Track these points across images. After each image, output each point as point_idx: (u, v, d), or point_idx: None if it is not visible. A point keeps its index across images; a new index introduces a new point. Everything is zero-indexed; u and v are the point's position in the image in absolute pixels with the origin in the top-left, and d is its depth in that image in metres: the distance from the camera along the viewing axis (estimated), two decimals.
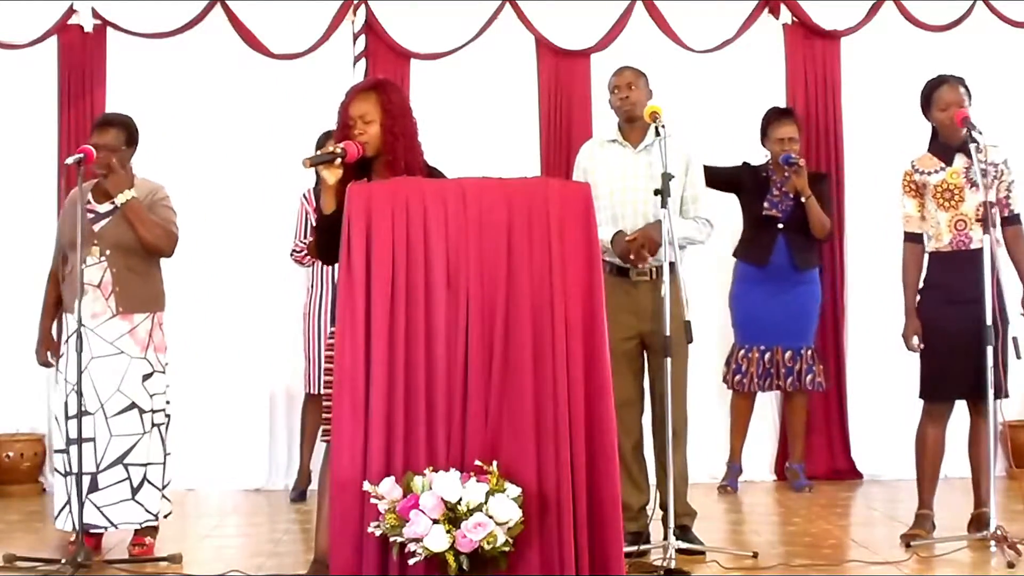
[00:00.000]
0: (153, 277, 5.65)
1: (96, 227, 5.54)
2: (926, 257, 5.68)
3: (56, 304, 5.73)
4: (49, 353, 5.76)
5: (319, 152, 4.59)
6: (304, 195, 6.93)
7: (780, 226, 7.15)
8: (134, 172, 5.67)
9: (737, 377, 7.24)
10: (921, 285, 5.68)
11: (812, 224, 7.08)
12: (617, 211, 5.52)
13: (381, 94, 4.68)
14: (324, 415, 4.72)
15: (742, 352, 7.25)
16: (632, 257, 5.40)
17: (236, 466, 7.55)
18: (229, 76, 7.69)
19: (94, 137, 5.61)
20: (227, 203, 7.56)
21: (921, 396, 5.70)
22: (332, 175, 4.54)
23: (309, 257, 6.80)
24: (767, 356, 7.23)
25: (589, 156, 5.68)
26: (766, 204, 7.13)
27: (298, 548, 5.74)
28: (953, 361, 5.51)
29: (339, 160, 4.53)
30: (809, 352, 7.26)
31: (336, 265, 4.60)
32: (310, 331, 6.93)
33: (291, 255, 6.95)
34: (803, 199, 7.05)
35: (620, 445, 5.30)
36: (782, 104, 7.68)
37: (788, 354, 7.22)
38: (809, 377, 7.23)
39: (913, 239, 5.70)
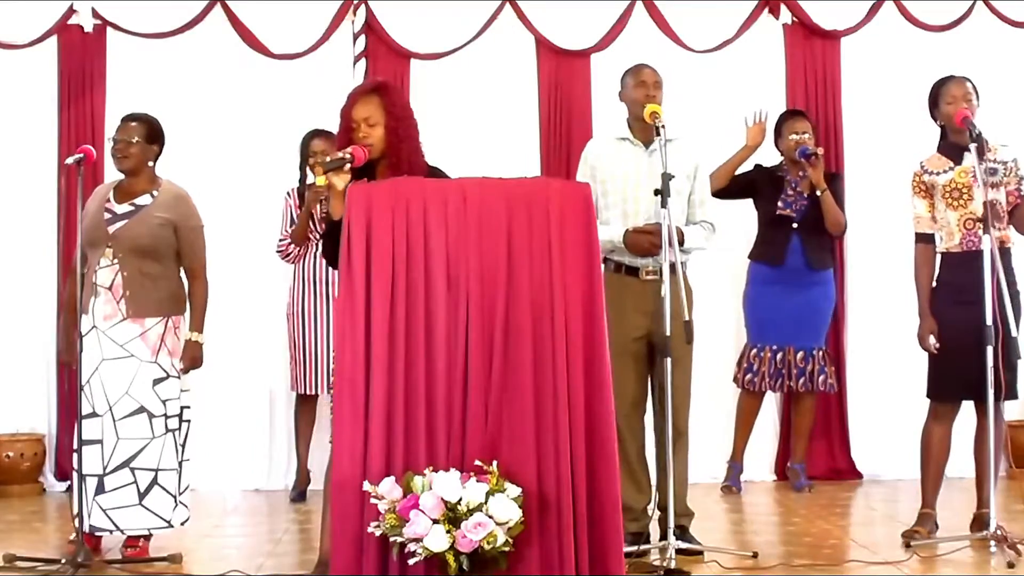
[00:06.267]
0: (169, 281, 5.58)
1: (111, 228, 5.50)
2: (937, 257, 5.68)
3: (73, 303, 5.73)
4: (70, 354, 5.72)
5: (329, 159, 4.60)
6: (288, 192, 7.01)
7: (794, 226, 7.14)
8: (156, 173, 5.68)
9: (748, 376, 7.22)
10: (933, 284, 5.68)
11: (827, 220, 7.08)
12: (628, 208, 5.51)
13: (384, 96, 4.68)
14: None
15: (754, 351, 7.23)
16: (647, 247, 5.39)
17: (236, 466, 7.55)
18: (229, 76, 7.69)
19: (116, 131, 5.65)
20: (227, 203, 7.54)
21: (928, 395, 5.70)
22: (341, 180, 4.54)
23: (292, 254, 6.91)
24: (779, 356, 7.21)
25: (598, 154, 5.65)
26: (780, 204, 7.12)
27: (298, 548, 5.74)
28: (961, 361, 5.50)
29: (348, 165, 4.55)
30: (821, 353, 7.25)
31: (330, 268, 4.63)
32: (295, 332, 6.98)
33: (276, 251, 7.00)
34: (819, 192, 7.04)
35: (626, 446, 5.35)
36: (782, 104, 7.70)
37: (800, 355, 7.21)
38: (821, 378, 7.22)
39: (925, 239, 5.69)
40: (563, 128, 7.74)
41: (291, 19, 7.67)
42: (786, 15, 7.85)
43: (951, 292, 5.58)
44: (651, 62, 5.79)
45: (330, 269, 6.76)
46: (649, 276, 5.48)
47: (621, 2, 7.76)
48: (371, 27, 7.74)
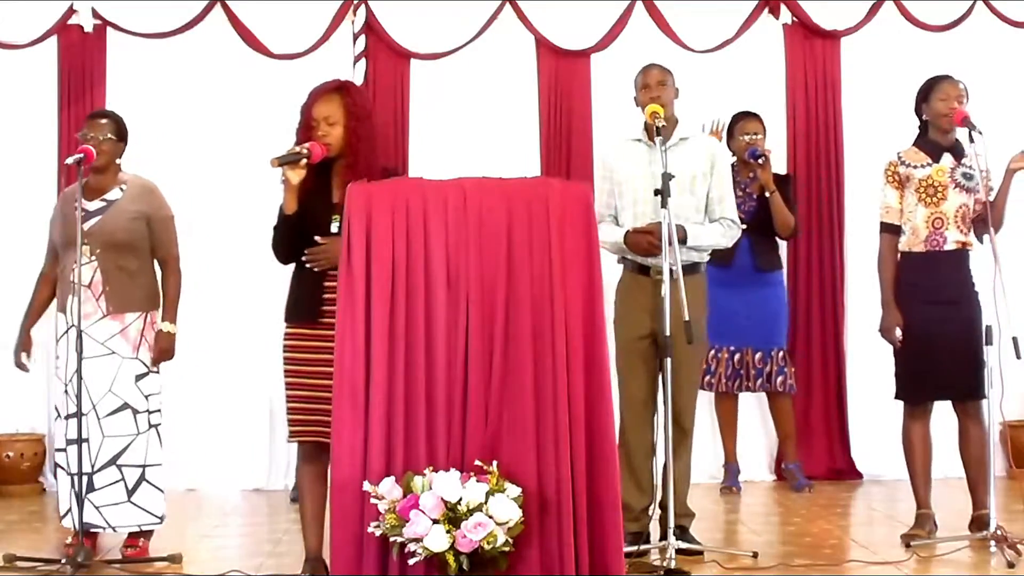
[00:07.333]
0: (145, 276, 5.59)
1: (85, 225, 5.50)
2: (900, 255, 5.69)
3: (42, 306, 5.73)
4: (24, 355, 5.70)
5: (286, 152, 4.61)
6: None
7: (743, 227, 7.12)
8: (122, 168, 5.67)
9: (706, 377, 7.21)
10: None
11: (776, 221, 7.07)
12: (637, 209, 5.50)
13: (345, 96, 4.71)
14: (289, 416, 4.78)
15: (712, 352, 7.21)
16: (645, 247, 5.39)
17: (236, 466, 7.55)
18: (229, 76, 7.68)
19: (85, 128, 5.63)
20: (227, 203, 7.55)
21: (897, 397, 5.73)
22: (296, 175, 4.58)
23: None
24: (736, 357, 7.21)
25: (613, 155, 5.65)
26: None
27: (298, 548, 5.71)
28: (930, 363, 5.54)
29: (304, 160, 4.56)
30: (780, 354, 7.24)
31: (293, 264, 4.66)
32: None
33: None
34: (767, 194, 7.04)
35: (631, 445, 5.35)
36: (782, 104, 7.71)
37: (758, 355, 7.21)
38: (780, 379, 7.21)
39: (890, 230, 5.70)
40: (563, 128, 7.74)
41: (291, 19, 7.67)
42: (786, 15, 7.85)
43: (919, 293, 5.59)
44: (651, 62, 5.78)
45: None
46: (659, 276, 5.47)
47: (621, 2, 7.76)
48: (371, 27, 7.74)
